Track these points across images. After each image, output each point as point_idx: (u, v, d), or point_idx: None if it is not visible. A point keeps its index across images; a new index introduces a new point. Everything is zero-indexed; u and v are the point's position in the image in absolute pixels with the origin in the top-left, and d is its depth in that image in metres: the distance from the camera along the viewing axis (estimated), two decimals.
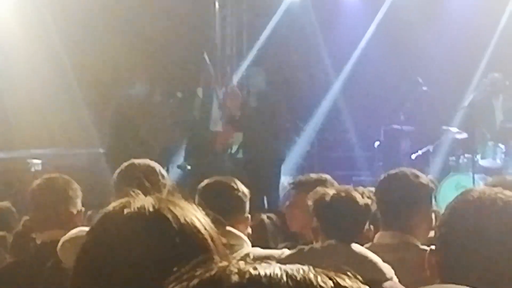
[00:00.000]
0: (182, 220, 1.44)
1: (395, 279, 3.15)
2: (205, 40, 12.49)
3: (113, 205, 1.48)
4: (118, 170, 4.02)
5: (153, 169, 3.97)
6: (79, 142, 11.09)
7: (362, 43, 12.71)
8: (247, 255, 3.55)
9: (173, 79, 12.02)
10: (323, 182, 4.15)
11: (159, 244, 1.40)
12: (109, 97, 11.30)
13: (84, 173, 10.15)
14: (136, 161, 4.04)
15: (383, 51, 12.20)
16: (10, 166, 10.33)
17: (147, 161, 4.05)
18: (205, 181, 3.97)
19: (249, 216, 3.95)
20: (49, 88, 10.96)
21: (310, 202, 3.51)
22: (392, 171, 3.78)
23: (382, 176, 3.82)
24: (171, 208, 1.45)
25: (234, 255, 3.51)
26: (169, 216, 1.43)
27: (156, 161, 4.15)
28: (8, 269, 4.00)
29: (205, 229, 1.47)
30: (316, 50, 12.86)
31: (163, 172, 4.04)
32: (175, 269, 1.14)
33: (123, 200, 1.49)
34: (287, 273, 0.99)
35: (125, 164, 4.05)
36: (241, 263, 1.02)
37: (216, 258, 1.38)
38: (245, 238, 3.76)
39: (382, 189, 3.72)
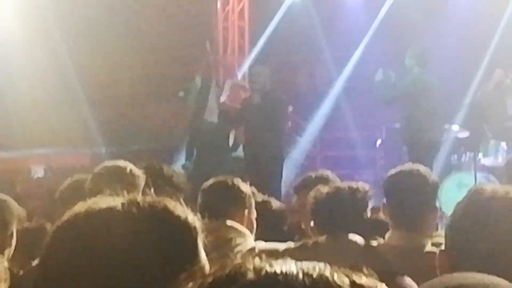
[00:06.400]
0: (155, 210, 1.42)
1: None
2: (206, 39, 12.48)
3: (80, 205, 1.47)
4: (93, 173, 3.91)
5: (123, 170, 3.86)
6: (82, 142, 11.09)
7: (364, 42, 12.69)
8: (252, 249, 3.56)
9: (174, 79, 12.01)
10: (324, 180, 4.15)
11: (125, 237, 1.38)
12: (111, 96, 11.30)
13: (87, 173, 10.15)
14: (108, 163, 3.97)
15: (384, 49, 12.18)
16: (11, 166, 10.32)
17: (118, 162, 3.95)
18: (208, 181, 3.99)
19: (254, 213, 3.95)
20: (51, 87, 10.96)
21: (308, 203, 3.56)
22: (403, 167, 3.74)
23: (392, 172, 3.71)
24: (143, 203, 1.44)
25: (238, 248, 3.53)
26: (136, 210, 1.42)
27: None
28: None
29: (183, 220, 1.43)
30: (318, 48, 12.85)
31: (136, 171, 3.90)
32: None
33: (92, 200, 1.48)
34: (303, 271, 0.98)
35: (98, 167, 3.96)
36: (256, 260, 1.01)
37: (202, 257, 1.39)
38: (248, 232, 3.77)
39: (392, 185, 3.63)
